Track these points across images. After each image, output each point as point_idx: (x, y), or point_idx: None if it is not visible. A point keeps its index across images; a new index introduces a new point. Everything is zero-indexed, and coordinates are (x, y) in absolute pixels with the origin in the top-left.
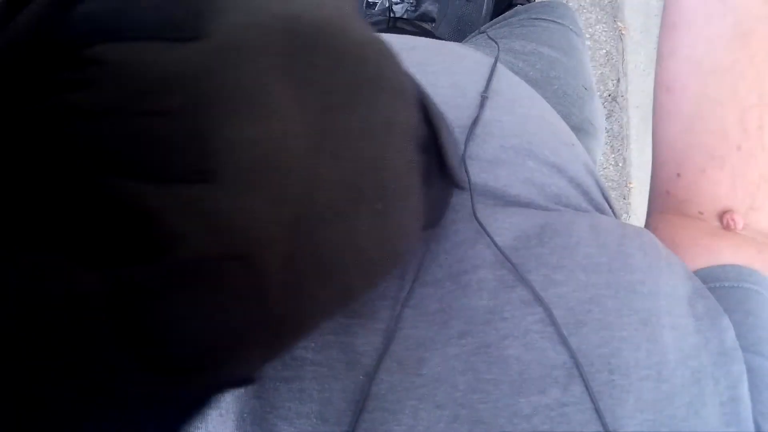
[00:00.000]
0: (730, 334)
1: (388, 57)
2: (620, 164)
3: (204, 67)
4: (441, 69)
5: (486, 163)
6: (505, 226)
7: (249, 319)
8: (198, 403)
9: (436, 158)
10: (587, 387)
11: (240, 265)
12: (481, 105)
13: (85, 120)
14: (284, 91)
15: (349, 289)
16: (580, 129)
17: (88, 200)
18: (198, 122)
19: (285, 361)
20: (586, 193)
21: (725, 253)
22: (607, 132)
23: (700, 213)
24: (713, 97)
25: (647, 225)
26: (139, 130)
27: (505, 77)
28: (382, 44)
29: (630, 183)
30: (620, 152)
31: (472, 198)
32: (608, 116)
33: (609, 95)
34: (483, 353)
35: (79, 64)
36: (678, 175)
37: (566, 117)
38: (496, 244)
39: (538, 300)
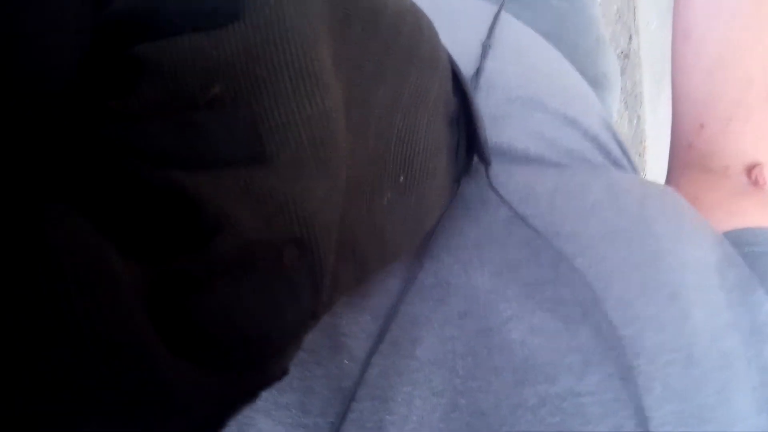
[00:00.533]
0: (765, 309)
1: (423, 27)
2: (634, 122)
3: (245, 48)
4: (438, 15)
5: (490, 118)
6: (509, 188)
7: (302, 307)
8: (245, 400)
9: (465, 133)
10: (622, 372)
11: (296, 249)
12: (483, 55)
13: (131, 123)
14: (327, 63)
15: (365, 268)
16: (595, 83)
17: (133, 195)
18: (248, 106)
19: None
20: (602, 148)
21: (755, 214)
22: (621, 89)
23: (726, 168)
24: (736, 44)
25: (667, 183)
26: (188, 124)
27: (510, 25)
28: (418, 13)
29: (644, 141)
30: (634, 109)
31: (483, 159)
32: (621, 73)
33: (621, 53)
34: (484, 337)
35: (121, 68)
36: (701, 126)
37: (580, 71)
38: (516, 211)
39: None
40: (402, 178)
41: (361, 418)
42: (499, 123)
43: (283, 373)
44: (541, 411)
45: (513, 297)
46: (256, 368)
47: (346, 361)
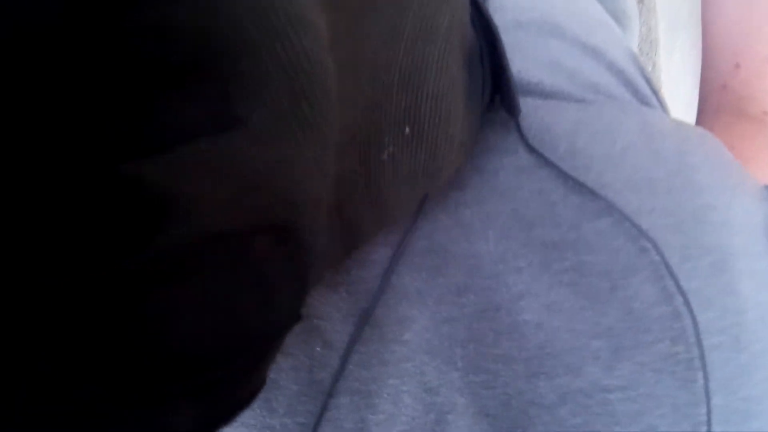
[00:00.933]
0: None
1: None
2: (650, 68)
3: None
4: None
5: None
6: (531, 130)
7: (283, 307)
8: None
9: (488, 74)
10: (658, 361)
11: (273, 235)
12: None
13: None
14: None
15: (357, 235)
16: (614, 19)
17: (79, 195)
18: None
19: None
20: (629, 84)
21: None
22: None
23: (765, 113)
24: None
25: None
26: (143, 104)
27: None
28: None
29: (660, 89)
30: (649, 56)
31: (511, 108)
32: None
33: None
34: (489, 318)
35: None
36: (737, 65)
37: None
38: (532, 148)
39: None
40: (407, 130)
41: (338, 417)
42: (508, 51)
43: (262, 383)
44: (560, 410)
45: (525, 267)
46: (224, 390)
47: (318, 349)
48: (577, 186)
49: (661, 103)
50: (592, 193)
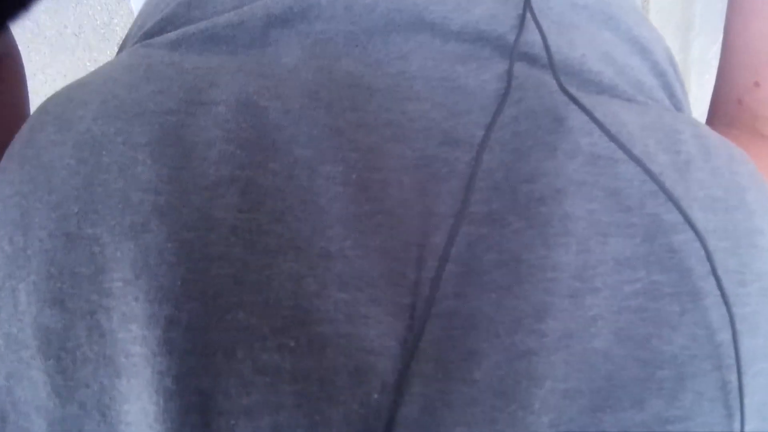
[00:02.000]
0: None
1: None
2: None
3: None
4: None
5: (553, 23)
6: (596, 117)
7: None
8: None
9: None
10: (716, 389)
11: None
12: None
13: None
14: None
15: None
16: None
17: None
18: None
19: (243, 376)
20: (668, 87)
21: None
22: None
23: None
24: None
25: None
26: None
27: None
28: None
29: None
30: None
31: (551, 63)
32: None
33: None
34: (564, 348)
35: None
36: (756, 84)
37: None
38: (607, 130)
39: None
40: None
41: None
42: (569, 32)
43: None
44: None
45: (601, 288)
46: None
47: (376, 395)
48: (655, 194)
49: (689, 109)
50: (669, 203)
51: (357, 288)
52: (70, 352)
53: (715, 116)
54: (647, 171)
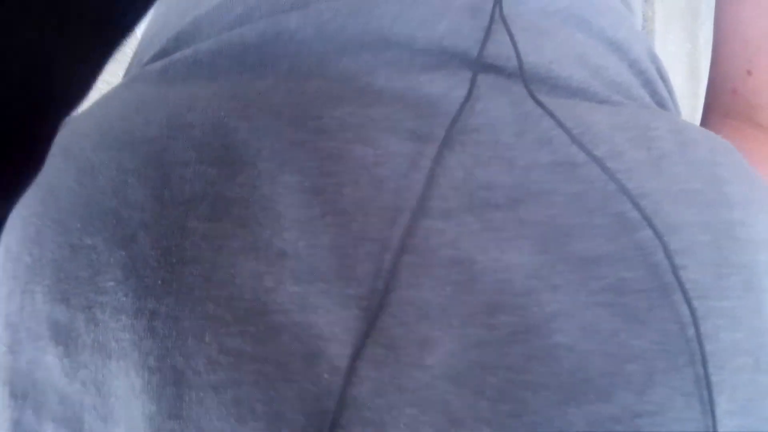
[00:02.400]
0: None
1: None
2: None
3: None
4: None
5: (521, 30)
6: (569, 125)
7: None
8: None
9: None
10: (689, 384)
11: None
12: None
13: None
14: None
15: None
16: None
17: None
18: None
19: (210, 357)
20: (648, 84)
21: None
22: None
23: None
24: None
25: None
26: None
27: None
28: None
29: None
30: None
31: (521, 70)
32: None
33: None
34: (521, 341)
35: None
36: (749, 72)
37: None
38: (571, 134)
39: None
40: None
41: None
42: (537, 38)
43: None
44: None
45: (561, 285)
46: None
47: (326, 375)
48: (617, 193)
49: (675, 105)
50: (632, 202)
51: (308, 282)
52: (73, 340)
53: (711, 107)
54: (605, 169)
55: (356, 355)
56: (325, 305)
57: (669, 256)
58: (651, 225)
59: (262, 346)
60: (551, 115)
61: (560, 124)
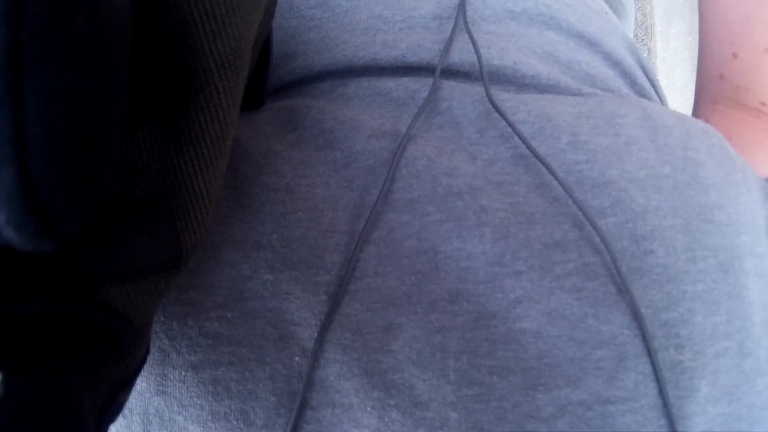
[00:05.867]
0: None
1: None
2: (645, 55)
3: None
4: None
5: (488, 34)
6: (518, 119)
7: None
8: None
9: None
10: (658, 378)
11: None
12: None
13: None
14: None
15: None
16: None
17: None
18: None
19: (191, 339)
20: (626, 75)
21: None
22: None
23: (762, 104)
24: None
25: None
26: (115, 239)
27: None
28: None
29: (656, 75)
30: (644, 42)
31: (483, 75)
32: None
33: None
34: (484, 327)
35: None
36: (734, 55)
37: None
38: (521, 136)
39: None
40: None
41: (319, 431)
42: (499, 40)
43: (147, 351)
44: (557, 423)
45: (525, 270)
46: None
47: (297, 358)
48: (581, 181)
49: (658, 94)
50: (595, 189)
51: (280, 270)
52: None
53: (700, 96)
54: (545, 165)
55: (322, 337)
56: (296, 292)
57: (609, 249)
58: (586, 216)
59: (238, 330)
60: (502, 116)
61: (510, 125)
